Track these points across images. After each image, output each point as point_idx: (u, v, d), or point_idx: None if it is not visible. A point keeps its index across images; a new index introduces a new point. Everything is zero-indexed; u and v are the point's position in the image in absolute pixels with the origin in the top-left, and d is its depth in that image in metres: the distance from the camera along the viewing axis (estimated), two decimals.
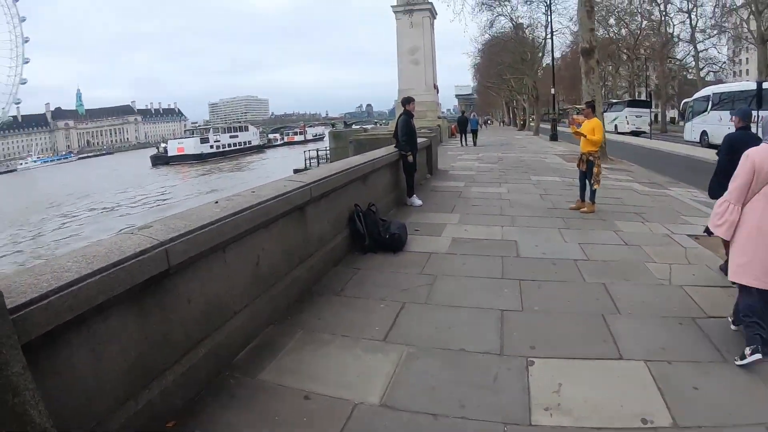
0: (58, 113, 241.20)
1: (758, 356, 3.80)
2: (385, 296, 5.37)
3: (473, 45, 57.72)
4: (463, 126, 34.19)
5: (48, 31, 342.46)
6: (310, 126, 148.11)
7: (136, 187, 49.30)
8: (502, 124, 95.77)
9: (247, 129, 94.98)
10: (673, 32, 57.03)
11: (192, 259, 3.49)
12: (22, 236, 32.70)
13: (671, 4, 54.77)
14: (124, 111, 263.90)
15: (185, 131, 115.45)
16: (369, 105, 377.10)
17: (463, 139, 33.31)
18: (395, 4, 40.22)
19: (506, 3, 50.57)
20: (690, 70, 62.88)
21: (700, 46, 54.25)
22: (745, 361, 3.83)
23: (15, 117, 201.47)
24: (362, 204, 7.37)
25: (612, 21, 59.91)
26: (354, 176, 7.29)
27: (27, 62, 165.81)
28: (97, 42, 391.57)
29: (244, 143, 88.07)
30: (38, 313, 2.23)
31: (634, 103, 51.62)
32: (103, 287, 2.63)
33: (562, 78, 58.52)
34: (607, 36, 59.61)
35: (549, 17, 44.81)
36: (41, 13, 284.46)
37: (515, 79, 59.39)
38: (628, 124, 47.40)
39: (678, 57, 61.21)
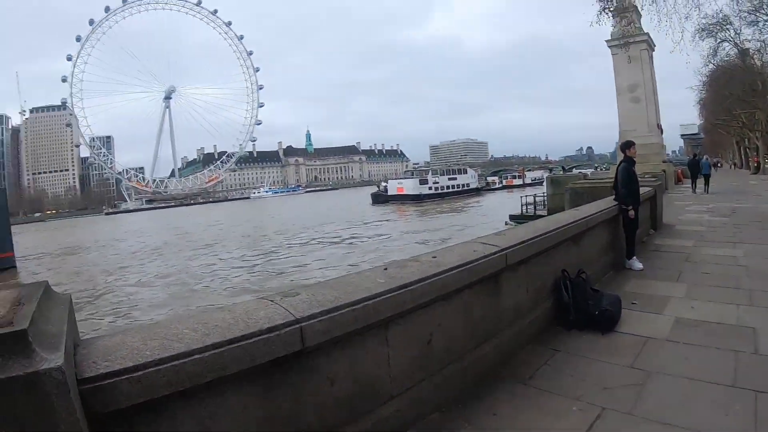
0: (290, 150, 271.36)
1: None
2: (581, 395, 4.09)
3: (697, 77, 51.77)
4: (694, 170, 30.85)
5: (280, 79, 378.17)
6: (529, 170, 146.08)
7: (357, 222, 51.30)
8: (733, 166, 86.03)
9: (465, 172, 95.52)
10: None
11: (337, 339, 2.95)
12: (252, 255, 34.97)
13: None
14: (350, 151, 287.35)
15: (405, 172, 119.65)
16: (589, 148, 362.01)
17: (694, 185, 30.01)
18: (609, 38, 37.10)
19: (728, 27, 45.22)
20: None
21: None
22: None
23: (251, 152, 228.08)
24: (571, 269, 6.09)
25: None
26: (563, 237, 6.15)
27: (261, 106, 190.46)
28: (325, 88, 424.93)
29: (462, 186, 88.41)
30: (127, 384, 2.05)
31: None
32: (214, 365, 2.32)
33: None
34: None
35: None
36: (274, 64, 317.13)
37: (746, 113, 54.05)
38: None
39: None
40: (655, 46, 36.51)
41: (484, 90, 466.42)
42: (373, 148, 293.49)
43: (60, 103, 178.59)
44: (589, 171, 79.72)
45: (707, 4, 23.16)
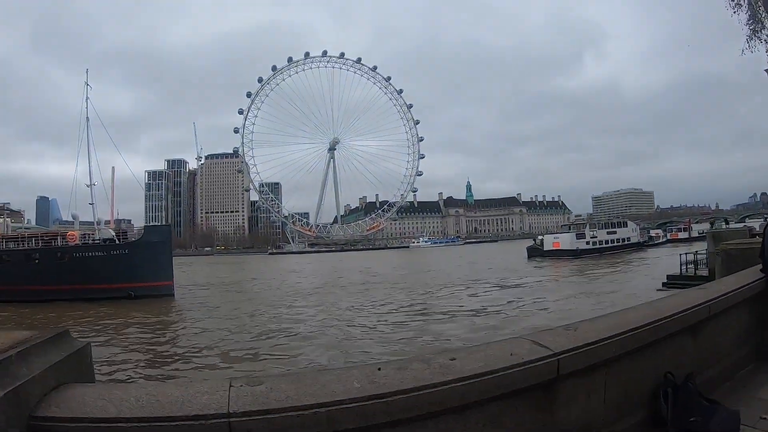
0: (450, 201, 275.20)
1: None
2: None
3: None
4: None
5: (440, 131, 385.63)
6: (696, 222, 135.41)
7: (511, 275, 49.81)
8: None
9: (625, 225, 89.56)
10: None
11: None
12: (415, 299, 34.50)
13: None
14: (510, 202, 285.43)
15: (561, 226, 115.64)
16: (764, 194, 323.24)
17: None
18: None
19: None
20: None
21: None
22: None
23: (411, 202, 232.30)
24: (681, 369, 4.41)
25: None
26: (664, 333, 4.41)
27: (422, 157, 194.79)
28: (483, 139, 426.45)
29: (622, 240, 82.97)
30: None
31: None
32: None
33: None
34: None
35: None
36: (433, 117, 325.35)
37: None
38: None
39: None
40: None
41: (647, 136, 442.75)
42: (533, 199, 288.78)
43: (232, 152, 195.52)
44: (758, 223, 71.92)
45: None
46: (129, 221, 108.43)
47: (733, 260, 11.92)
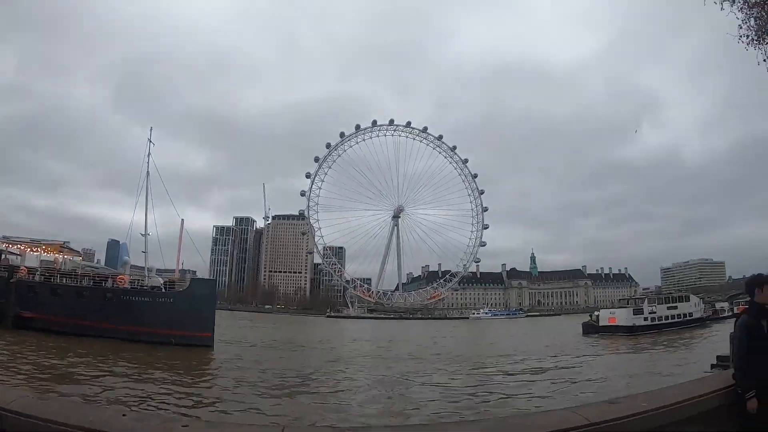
0: (513, 273, 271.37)
1: None
2: None
3: None
4: None
5: (504, 201, 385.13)
6: None
7: (559, 353, 48.01)
8: None
9: (687, 299, 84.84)
10: None
11: None
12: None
13: None
14: (575, 275, 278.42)
15: (619, 300, 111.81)
16: None
17: None
18: None
19: None
20: None
21: None
22: None
23: (474, 273, 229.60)
24: None
25: None
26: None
27: (486, 227, 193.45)
28: (546, 210, 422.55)
29: (684, 315, 78.67)
30: None
31: None
32: None
33: None
34: None
35: None
36: (498, 187, 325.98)
37: None
38: None
39: None
40: None
41: (713, 203, 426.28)
42: (599, 271, 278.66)
43: (298, 214, 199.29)
44: None
45: None
46: (194, 272, 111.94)
47: None
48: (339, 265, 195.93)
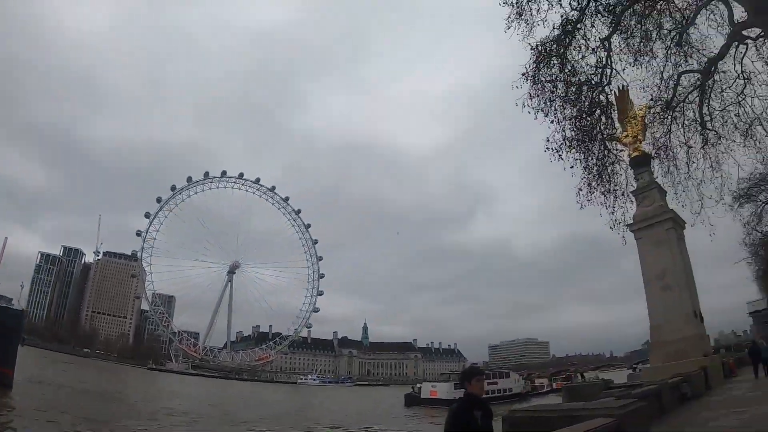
0: (344, 341, 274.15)
1: None
2: None
3: (742, 249, 50.21)
4: (755, 358, 29.77)
5: (341, 270, 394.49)
6: (594, 368, 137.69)
7: (379, 423, 48.71)
8: None
9: (507, 375, 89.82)
10: None
11: None
12: None
13: None
14: (406, 347, 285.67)
15: (441, 374, 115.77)
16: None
17: (756, 372, 28.99)
18: (631, 222, 32.74)
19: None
20: None
21: None
22: None
23: (305, 338, 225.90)
24: None
25: None
26: None
27: (321, 294, 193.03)
28: (383, 284, 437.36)
29: (504, 390, 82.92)
30: None
31: None
32: None
33: None
34: None
35: None
36: (336, 255, 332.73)
37: None
38: None
39: None
40: (684, 223, 30.87)
41: (540, 290, 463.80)
42: (429, 346, 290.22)
43: (130, 254, 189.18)
44: (628, 371, 75.35)
45: (729, 166, 19.70)
46: (10, 299, 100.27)
47: (517, 428, 11.33)
48: (167, 315, 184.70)
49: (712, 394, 23.39)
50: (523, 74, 17.31)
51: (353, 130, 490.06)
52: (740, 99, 18.93)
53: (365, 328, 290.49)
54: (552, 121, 17.51)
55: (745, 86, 18.69)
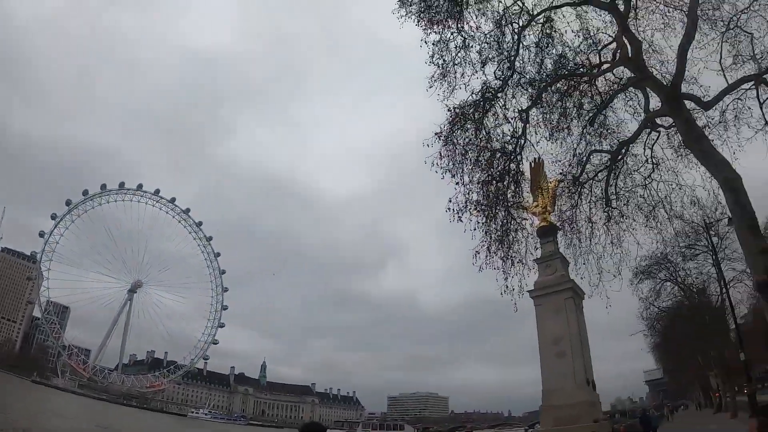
0: (241, 378, 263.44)
1: None
2: None
3: (640, 322, 52.78)
4: (645, 426, 32.90)
5: (245, 306, 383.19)
6: (482, 428, 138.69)
7: None
8: (698, 407, 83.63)
9: (402, 428, 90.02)
10: None
11: None
12: None
13: None
14: (304, 391, 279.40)
15: (335, 422, 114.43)
16: None
17: None
18: (532, 288, 34.63)
19: (668, 265, 46.42)
20: None
21: None
22: None
23: (200, 370, 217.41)
24: None
25: None
26: None
27: (222, 326, 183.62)
28: (286, 324, 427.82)
29: None
30: None
31: None
32: None
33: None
34: None
35: (718, 267, 39.75)
36: (241, 289, 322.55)
37: (700, 352, 52.48)
38: None
39: None
40: (584, 294, 32.51)
41: (443, 345, 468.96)
42: (328, 391, 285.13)
43: (29, 254, 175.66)
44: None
45: (629, 243, 20.45)
46: None
47: None
48: (59, 326, 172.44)
49: None
50: (437, 134, 17.52)
51: (276, 166, 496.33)
52: (647, 182, 19.80)
53: (264, 367, 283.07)
54: (458, 183, 17.65)
55: (653, 170, 19.63)
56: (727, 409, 46.75)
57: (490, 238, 18.71)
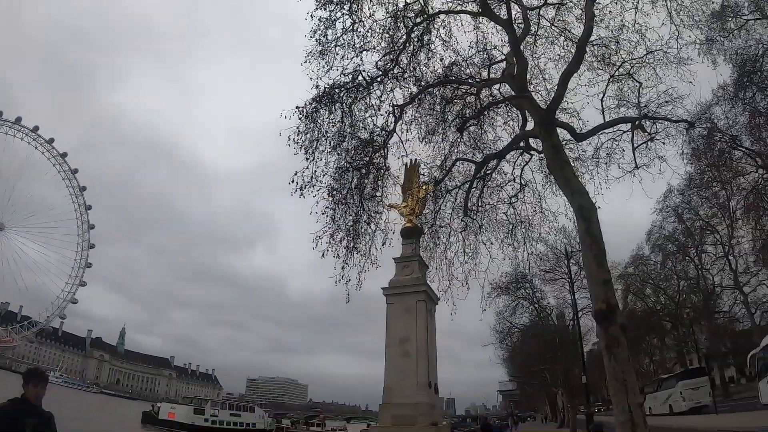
0: (98, 343, 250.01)
1: None
2: None
3: (493, 335, 54.65)
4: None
5: (110, 267, 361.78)
6: (336, 418, 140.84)
7: None
8: (544, 420, 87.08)
9: (252, 410, 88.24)
10: (713, 283, 51.38)
11: None
12: None
13: (705, 253, 49.88)
14: (162, 363, 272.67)
15: (184, 398, 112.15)
16: None
17: None
18: (387, 285, 35.93)
19: (526, 285, 47.60)
20: (741, 320, 53.55)
21: (746, 289, 47.69)
22: None
23: (56, 329, 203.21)
24: None
25: (648, 290, 54.14)
26: None
27: (83, 285, 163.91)
28: (149, 291, 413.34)
29: (246, 424, 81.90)
30: None
31: (687, 374, 43.10)
32: None
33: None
34: (646, 308, 54.01)
35: (572, 295, 41.86)
36: (106, 249, 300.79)
37: (548, 369, 53.48)
38: (684, 400, 39.11)
39: (725, 309, 52.98)
40: (438, 299, 31.76)
41: (306, 333, 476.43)
42: (187, 365, 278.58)
43: None
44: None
45: (483, 256, 19.69)
46: None
47: None
48: None
49: None
50: (298, 107, 16.58)
51: (163, 126, 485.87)
52: (512, 200, 19.79)
53: (123, 334, 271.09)
54: (310, 161, 16.83)
55: (520, 190, 19.65)
56: (568, 425, 49.38)
57: (337, 225, 18.01)
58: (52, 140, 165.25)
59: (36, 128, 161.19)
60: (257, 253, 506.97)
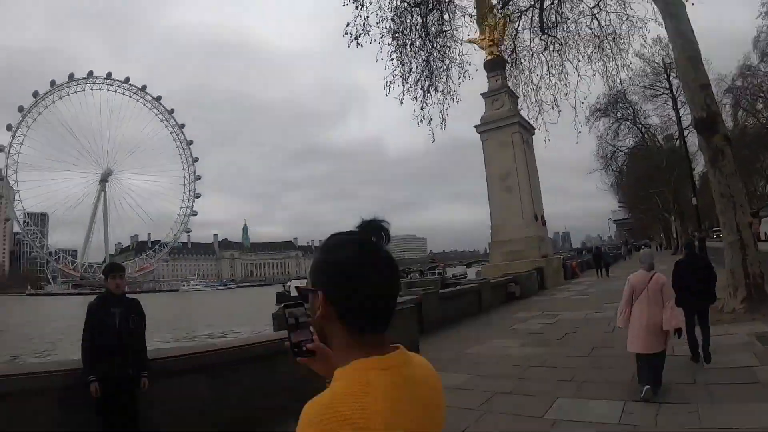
0: (225, 244, 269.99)
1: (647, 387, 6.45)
2: None
3: (597, 161, 53.03)
4: (597, 260, 34.58)
5: (218, 172, 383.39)
6: (455, 265, 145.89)
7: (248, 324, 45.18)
8: (658, 247, 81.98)
9: None
10: None
11: None
12: None
13: None
14: (287, 246, 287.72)
15: (306, 270, 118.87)
16: None
17: (599, 272, 33.39)
18: (479, 123, 33.90)
19: (626, 104, 44.92)
20: None
21: None
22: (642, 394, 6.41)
23: (185, 243, 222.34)
24: None
25: (760, 105, 45.69)
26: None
27: (198, 197, 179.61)
28: (260, 184, 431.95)
29: None
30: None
31: None
32: None
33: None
34: (759, 123, 46.17)
35: (676, 112, 39.34)
36: (211, 157, 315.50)
37: (659, 194, 52.05)
38: None
39: None
40: (534, 129, 29.28)
41: (412, 188, 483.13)
42: (310, 244, 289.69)
43: None
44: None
45: (575, 77, 19.51)
46: None
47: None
48: (40, 235, 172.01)
49: (542, 295, 24.37)
50: None
51: (220, 28, 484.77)
52: (594, 11, 18.30)
53: (245, 229, 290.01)
54: (360, 9, 16.46)
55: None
56: (682, 251, 48.43)
57: (408, 68, 17.92)
58: (127, 79, 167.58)
59: (109, 74, 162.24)
60: (350, 123, 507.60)
